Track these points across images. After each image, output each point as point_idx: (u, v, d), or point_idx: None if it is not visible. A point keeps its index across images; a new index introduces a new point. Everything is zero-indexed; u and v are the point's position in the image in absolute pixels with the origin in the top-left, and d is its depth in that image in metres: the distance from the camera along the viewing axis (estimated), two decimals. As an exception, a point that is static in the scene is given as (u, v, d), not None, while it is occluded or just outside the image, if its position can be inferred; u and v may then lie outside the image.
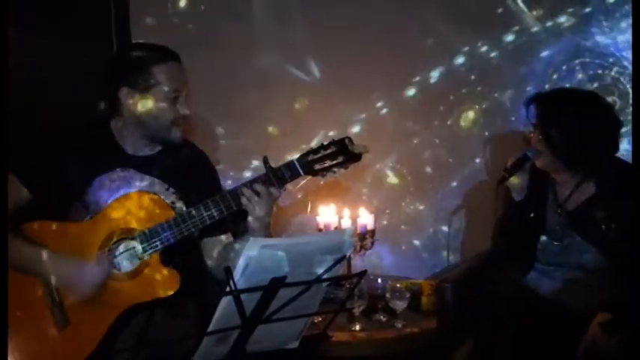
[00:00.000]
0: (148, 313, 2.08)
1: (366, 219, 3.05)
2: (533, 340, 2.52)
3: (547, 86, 3.21)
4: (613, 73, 3.20)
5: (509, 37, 3.33)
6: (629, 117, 3.12)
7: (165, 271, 2.15)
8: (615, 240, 2.53)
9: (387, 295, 2.75)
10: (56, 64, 3.15)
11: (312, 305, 1.83)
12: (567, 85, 3.18)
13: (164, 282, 2.14)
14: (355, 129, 3.44)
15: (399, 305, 2.73)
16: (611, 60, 3.20)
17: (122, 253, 2.17)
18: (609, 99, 2.97)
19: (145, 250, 2.15)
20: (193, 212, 2.15)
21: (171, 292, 2.13)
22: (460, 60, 3.38)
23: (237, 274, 1.61)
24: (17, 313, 2.11)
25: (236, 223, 2.31)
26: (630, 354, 2.34)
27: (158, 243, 2.15)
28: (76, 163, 2.26)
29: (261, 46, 3.48)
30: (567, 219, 2.65)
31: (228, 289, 1.61)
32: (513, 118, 3.33)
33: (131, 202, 2.19)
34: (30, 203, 2.27)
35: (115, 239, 2.17)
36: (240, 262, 1.62)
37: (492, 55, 3.36)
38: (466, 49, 3.37)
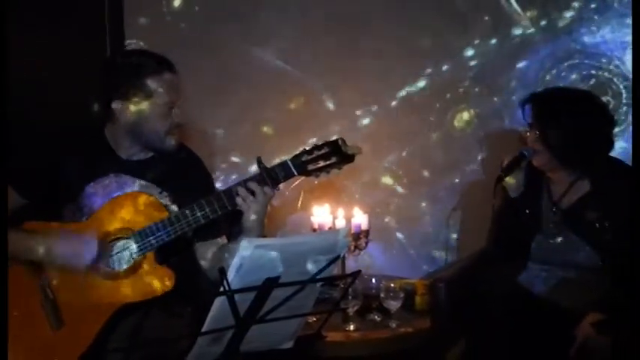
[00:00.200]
0: (142, 313, 2.08)
1: (360, 219, 3.05)
2: (527, 339, 2.52)
3: (541, 86, 3.22)
4: (606, 74, 3.21)
5: (504, 38, 3.34)
6: (622, 117, 3.15)
7: (160, 270, 2.15)
8: (609, 238, 2.54)
9: (381, 295, 2.74)
10: (54, 63, 3.15)
11: (306, 305, 1.83)
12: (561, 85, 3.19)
13: (159, 280, 2.14)
14: (350, 130, 3.44)
15: (393, 305, 2.73)
16: (604, 60, 3.22)
17: (117, 252, 2.17)
18: (603, 99, 2.98)
19: (139, 249, 2.14)
20: (187, 212, 2.15)
21: (167, 291, 2.13)
22: (455, 61, 3.39)
23: (231, 274, 1.61)
24: (14, 313, 2.10)
25: (230, 226, 2.31)
26: (622, 354, 2.35)
27: (153, 242, 2.14)
28: (70, 167, 2.25)
29: (255, 45, 3.48)
30: (562, 217, 2.65)
31: (222, 289, 1.60)
32: (508, 119, 3.34)
33: (127, 202, 2.19)
34: (24, 207, 2.27)
35: (110, 238, 2.17)
36: (234, 262, 1.61)
37: (487, 55, 3.37)
38: (461, 49, 3.38)
